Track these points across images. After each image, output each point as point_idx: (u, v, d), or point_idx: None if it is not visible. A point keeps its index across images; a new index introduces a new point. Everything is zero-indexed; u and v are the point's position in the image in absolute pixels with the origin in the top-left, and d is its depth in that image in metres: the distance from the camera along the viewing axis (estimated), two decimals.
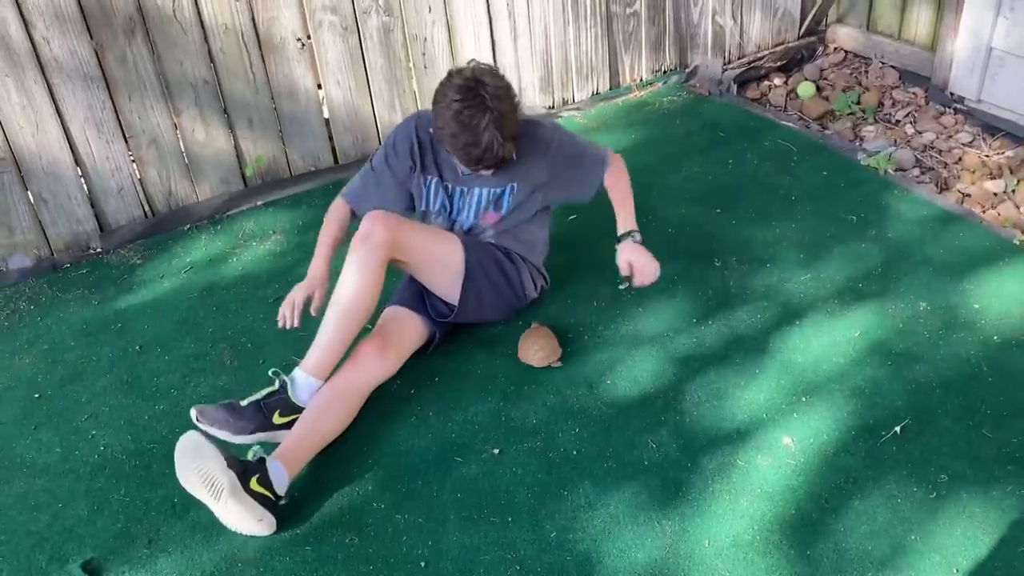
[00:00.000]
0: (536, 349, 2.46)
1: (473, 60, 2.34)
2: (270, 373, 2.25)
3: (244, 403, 2.19)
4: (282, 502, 2.07)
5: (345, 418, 2.25)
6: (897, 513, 2.00)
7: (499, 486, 2.14)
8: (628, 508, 2.06)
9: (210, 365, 2.58)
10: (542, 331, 2.52)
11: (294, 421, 2.19)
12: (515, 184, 2.45)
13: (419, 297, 2.49)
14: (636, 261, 2.47)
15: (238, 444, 2.15)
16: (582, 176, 2.56)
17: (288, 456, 2.10)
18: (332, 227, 2.49)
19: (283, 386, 2.21)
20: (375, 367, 2.29)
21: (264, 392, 2.22)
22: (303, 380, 2.21)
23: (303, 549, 2.02)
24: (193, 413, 2.17)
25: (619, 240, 2.53)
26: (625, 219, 2.56)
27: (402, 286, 2.56)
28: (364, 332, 2.35)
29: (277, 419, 2.19)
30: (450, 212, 2.50)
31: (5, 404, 2.49)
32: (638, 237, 2.53)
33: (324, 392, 2.22)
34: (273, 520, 2.02)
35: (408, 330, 2.43)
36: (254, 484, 1.98)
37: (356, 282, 2.24)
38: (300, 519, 2.09)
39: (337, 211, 2.55)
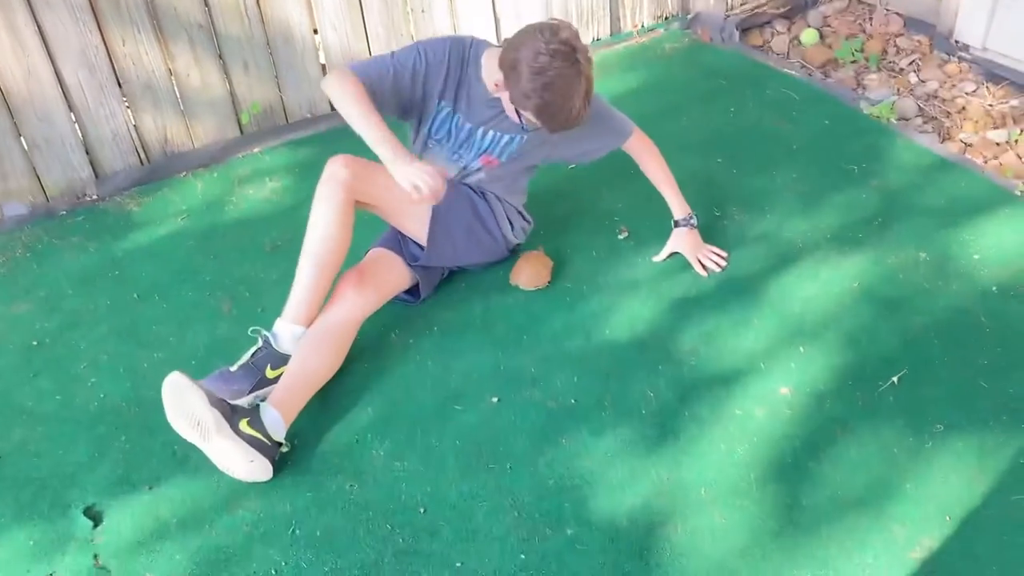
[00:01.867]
0: (525, 272, 2.56)
1: (554, 19, 2.25)
2: (249, 332, 2.24)
3: (234, 368, 2.19)
4: (283, 449, 2.09)
5: (333, 357, 2.24)
6: (892, 462, 2.02)
7: (498, 434, 2.16)
8: (626, 457, 2.08)
9: (208, 313, 2.57)
10: (535, 256, 2.60)
11: None
12: (527, 136, 2.42)
13: (399, 240, 2.49)
14: (702, 255, 2.59)
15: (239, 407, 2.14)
16: (596, 144, 2.57)
17: (280, 400, 2.11)
18: (361, 97, 2.20)
19: (267, 341, 2.21)
20: (355, 301, 2.28)
21: (250, 352, 2.21)
22: (285, 330, 2.21)
23: (303, 495, 2.03)
24: None
25: (676, 224, 2.62)
26: (677, 202, 2.61)
27: (388, 231, 2.54)
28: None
29: (270, 373, 2.19)
30: (452, 143, 2.46)
31: (3, 352, 2.49)
32: (695, 221, 2.59)
33: (308, 335, 2.22)
34: (267, 463, 2.03)
35: (387, 268, 2.42)
36: (244, 426, 2.01)
37: (324, 225, 2.21)
38: (300, 467, 2.10)
39: (352, 83, 2.23)
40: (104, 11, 2.92)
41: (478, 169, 2.49)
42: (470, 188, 2.50)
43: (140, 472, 2.11)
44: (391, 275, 2.43)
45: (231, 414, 2.01)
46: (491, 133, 2.42)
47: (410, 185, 2.11)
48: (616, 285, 2.58)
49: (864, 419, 2.12)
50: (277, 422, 2.07)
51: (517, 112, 2.27)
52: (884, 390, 2.19)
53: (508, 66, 2.21)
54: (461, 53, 2.37)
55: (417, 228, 2.42)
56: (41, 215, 3.05)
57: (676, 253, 2.62)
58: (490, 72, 2.34)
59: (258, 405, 2.07)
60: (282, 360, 2.20)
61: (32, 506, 2.05)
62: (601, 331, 2.43)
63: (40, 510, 2.04)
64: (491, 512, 1.96)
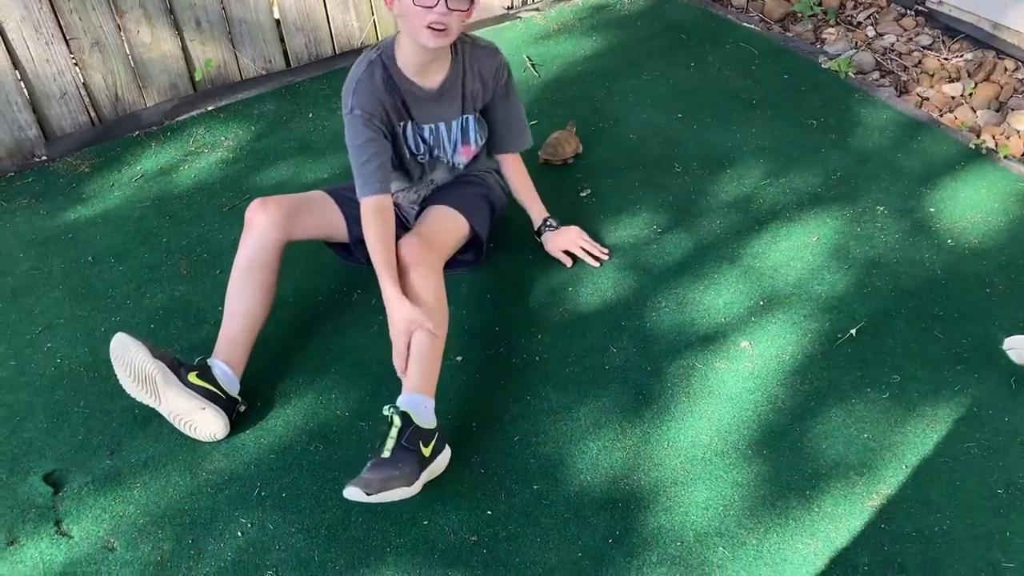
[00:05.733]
0: (561, 145, 2.81)
1: None
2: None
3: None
4: (240, 408, 2.09)
5: (260, 292, 2.16)
6: (851, 413, 2.06)
7: (462, 392, 2.16)
8: (590, 411, 2.09)
9: (166, 275, 2.53)
10: (566, 133, 2.86)
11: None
12: (472, 115, 2.35)
13: (347, 200, 2.35)
14: (581, 244, 2.49)
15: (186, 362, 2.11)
16: (509, 130, 2.45)
17: (223, 350, 2.10)
18: (382, 233, 2.12)
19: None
20: (258, 220, 2.18)
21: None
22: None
23: (268, 457, 2.03)
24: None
25: (540, 232, 2.52)
26: (537, 208, 2.53)
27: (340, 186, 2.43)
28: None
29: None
30: (431, 151, 2.36)
31: None
32: (555, 222, 2.51)
33: (232, 279, 2.16)
34: (220, 412, 2.02)
35: (308, 202, 2.32)
36: (193, 378, 2.01)
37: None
38: (264, 428, 2.09)
39: (375, 212, 2.14)
40: None
41: (463, 164, 2.44)
42: (462, 178, 2.48)
43: (100, 437, 2.09)
44: (314, 209, 2.31)
45: (177, 367, 2.02)
46: (453, 124, 2.33)
47: (405, 324, 2.03)
48: None
49: (823, 371, 2.16)
50: (226, 373, 2.06)
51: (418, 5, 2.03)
52: (842, 342, 2.23)
53: None
54: (383, 69, 2.19)
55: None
56: None
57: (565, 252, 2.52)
58: (406, 56, 2.18)
59: (206, 361, 2.07)
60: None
61: None
62: (563, 288, 2.43)
63: None
64: (457, 469, 1.97)
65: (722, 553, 1.80)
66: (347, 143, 2.20)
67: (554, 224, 2.51)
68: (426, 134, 2.31)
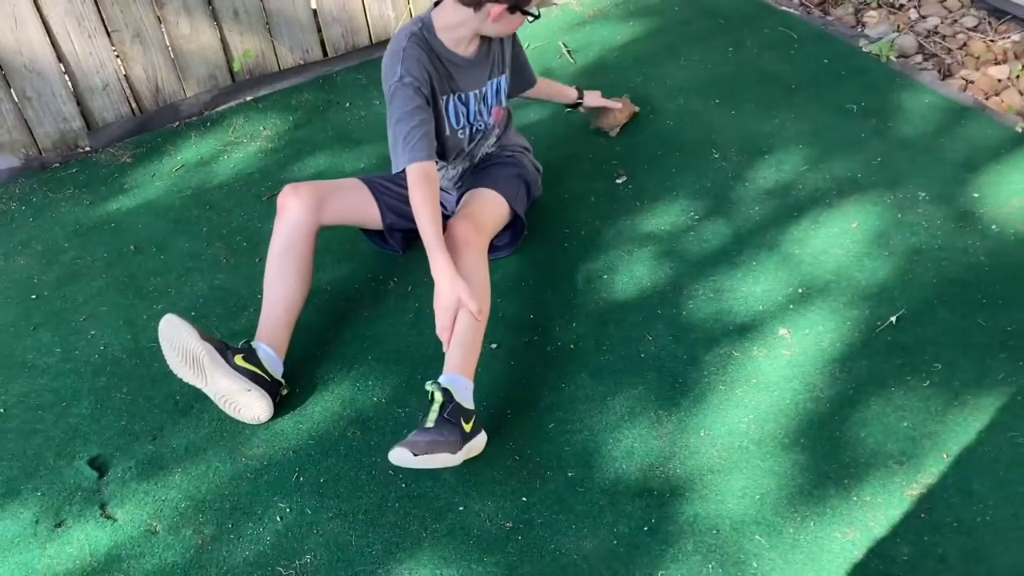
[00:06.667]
0: (611, 115, 2.91)
1: None
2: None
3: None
4: (283, 391, 2.12)
5: (296, 276, 2.18)
6: (890, 402, 2.03)
7: (498, 379, 2.17)
8: (625, 400, 2.09)
9: (206, 264, 2.57)
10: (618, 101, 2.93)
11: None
12: (504, 74, 2.39)
13: (380, 188, 2.39)
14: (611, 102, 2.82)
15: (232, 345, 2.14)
16: (519, 74, 2.53)
17: (266, 333, 2.13)
18: (430, 200, 2.07)
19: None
20: (290, 204, 2.20)
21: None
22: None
23: (306, 443, 2.05)
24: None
25: (578, 104, 2.85)
26: (566, 87, 2.81)
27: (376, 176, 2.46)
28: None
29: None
30: (469, 119, 2.36)
31: (3, 306, 2.49)
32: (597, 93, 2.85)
33: (268, 263, 2.19)
34: (265, 394, 2.05)
35: (340, 188, 2.34)
36: (239, 360, 2.04)
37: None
38: (303, 414, 2.12)
39: (423, 178, 2.10)
40: None
41: (493, 127, 2.45)
42: (489, 158, 2.49)
43: (143, 422, 2.13)
44: (345, 194, 2.33)
45: (224, 349, 2.05)
46: (484, 88, 2.35)
47: (455, 298, 2.02)
48: (615, 230, 2.57)
49: (862, 359, 2.13)
50: (270, 355, 2.09)
51: (525, 14, 2.17)
52: (883, 330, 2.20)
53: None
54: (423, 42, 2.19)
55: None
56: (34, 168, 3.03)
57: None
58: (449, 30, 2.19)
59: (250, 344, 2.10)
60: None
61: (38, 458, 2.07)
62: (599, 275, 2.42)
63: (46, 462, 2.06)
64: (491, 457, 1.98)
65: (758, 542, 1.79)
66: (392, 113, 2.16)
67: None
68: (471, 102, 2.32)
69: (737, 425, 2.01)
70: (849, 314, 2.25)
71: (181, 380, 2.07)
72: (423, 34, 2.20)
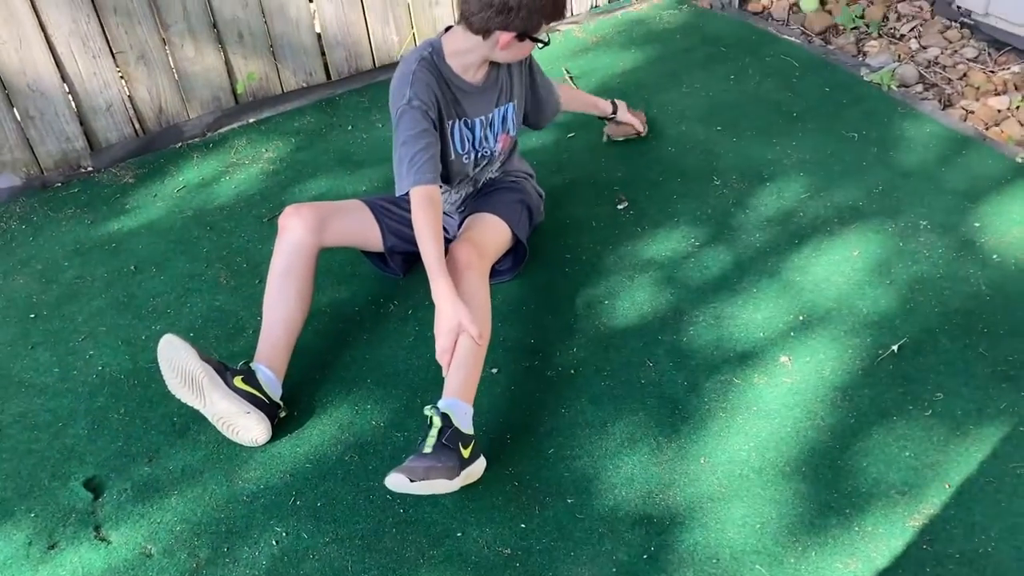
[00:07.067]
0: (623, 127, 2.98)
1: None
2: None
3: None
4: (282, 413, 2.11)
5: (295, 296, 2.18)
6: (892, 431, 2.02)
7: (498, 404, 2.15)
8: (625, 426, 2.08)
9: (206, 285, 2.56)
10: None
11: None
12: (512, 102, 2.39)
13: (382, 210, 2.38)
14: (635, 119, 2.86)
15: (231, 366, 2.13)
16: (546, 101, 2.52)
17: (265, 354, 2.13)
18: (433, 223, 2.07)
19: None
20: (291, 225, 2.20)
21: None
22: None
23: (303, 466, 2.04)
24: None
25: (612, 116, 2.93)
26: (601, 100, 2.88)
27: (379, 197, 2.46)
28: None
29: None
30: (474, 145, 2.36)
31: (1, 325, 2.48)
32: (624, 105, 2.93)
33: (268, 284, 2.19)
34: (263, 417, 2.04)
35: (343, 210, 2.33)
36: (238, 382, 2.03)
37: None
38: (300, 437, 2.10)
39: (427, 201, 2.09)
40: None
41: (500, 153, 2.44)
42: (492, 183, 2.49)
43: (139, 444, 2.11)
44: (347, 216, 2.32)
45: (223, 370, 2.04)
46: (492, 115, 2.35)
47: (456, 322, 2.01)
48: (616, 256, 2.57)
49: (864, 388, 2.12)
50: (269, 377, 2.09)
51: (534, 41, 2.15)
52: (884, 358, 2.19)
53: (497, 14, 2.05)
54: (432, 67, 2.20)
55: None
56: (36, 187, 3.03)
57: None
58: (459, 56, 2.20)
59: (250, 365, 2.09)
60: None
61: (32, 478, 2.05)
62: (600, 301, 2.42)
63: (40, 482, 2.04)
64: (491, 481, 1.96)
65: (759, 572, 1.77)
66: (398, 135, 2.16)
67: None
68: (477, 128, 2.32)
69: (738, 453, 2.00)
70: (850, 342, 2.24)
71: (179, 401, 2.06)
72: (432, 59, 2.21)
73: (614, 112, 2.94)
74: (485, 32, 2.11)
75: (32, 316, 2.51)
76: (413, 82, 2.16)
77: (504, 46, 2.14)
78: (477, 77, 2.26)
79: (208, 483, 2.01)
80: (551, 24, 2.18)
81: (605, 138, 3.01)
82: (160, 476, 2.04)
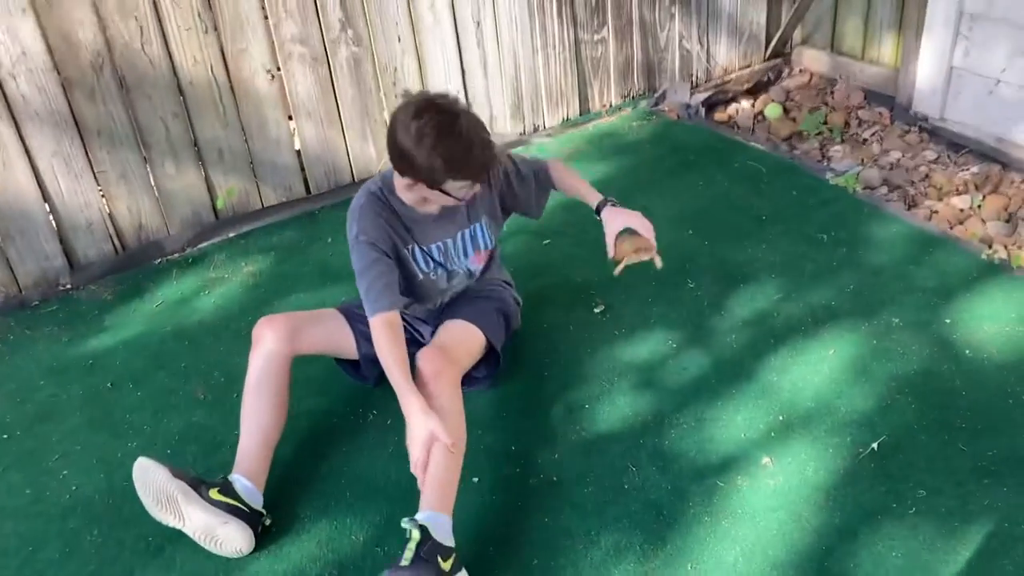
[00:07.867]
0: (627, 246, 2.31)
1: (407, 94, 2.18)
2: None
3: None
4: (266, 520, 2.08)
5: (271, 407, 2.18)
6: (877, 530, 2.00)
7: (480, 514, 2.12)
8: (610, 534, 2.05)
9: (183, 401, 2.54)
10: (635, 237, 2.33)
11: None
12: (480, 221, 2.38)
13: (356, 317, 2.38)
14: (637, 223, 2.33)
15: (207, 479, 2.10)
16: (534, 199, 2.47)
17: (242, 465, 2.10)
18: (395, 347, 2.12)
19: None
20: (264, 335, 2.23)
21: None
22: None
23: None
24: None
25: (599, 211, 2.37)
26: (593, 193, 2.40)
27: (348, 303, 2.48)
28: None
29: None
30: (443, 265, 2.37)
31: None
32: (614, 200, 2.39)
33: (244, 394, 2.19)
34: (244, 526, 2.01)
35: (316, 317, 2.38)
36: (214, 494, 2.01)
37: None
38: (279, 555, 2.06)
39: (386, 328, 2.14)
40: (79, 102, 2.95)
41: (476, 270, 2.45)
42: (467, 291, 2.50)
43: (112, 567, 2.06)
44: (320, 324, 2.36)
45: (198, 484, 2.02)
46: (450, 240, 2.36)
47: (427, 433, 2.01)
48: (595, 359, 2.58)
49: (847, 487, 2.11)
50: (247, 487, 2.06)
51: (445, 194, 2.12)
52: (865, 457, 2.19)
53: (398, 160, 2.09)
54: (380, 200, 2.25)
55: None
56: (14, 306, 3.03)
57: (624, 233, 2.36)
58: (403, 189, 2.20)
59: (227, 478, 2.07)
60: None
61: None
62: (581, 405, 2.42)
63: None
64: None
65: None
66: (354, 268, 2.22)
67: (615, 202, 2.38)
68: (435, 253, 2.35)
69: (724, 557, 1.97)
70: (831, 441, 2.24)
71: (154, 520, 2.02)
72: (381, 193, 2.25)
73: (597, 212, 2.38)
74: (403, 175, 2.13)
75: (4, 437, 2.47)
76: (359, 217, 2.23)
77: (420, 191, 2.14)
78: (429, 208, 2.25)
79: None
80: (468, 181, 2.11)
81: (617, 271, 2.38)
82: None
